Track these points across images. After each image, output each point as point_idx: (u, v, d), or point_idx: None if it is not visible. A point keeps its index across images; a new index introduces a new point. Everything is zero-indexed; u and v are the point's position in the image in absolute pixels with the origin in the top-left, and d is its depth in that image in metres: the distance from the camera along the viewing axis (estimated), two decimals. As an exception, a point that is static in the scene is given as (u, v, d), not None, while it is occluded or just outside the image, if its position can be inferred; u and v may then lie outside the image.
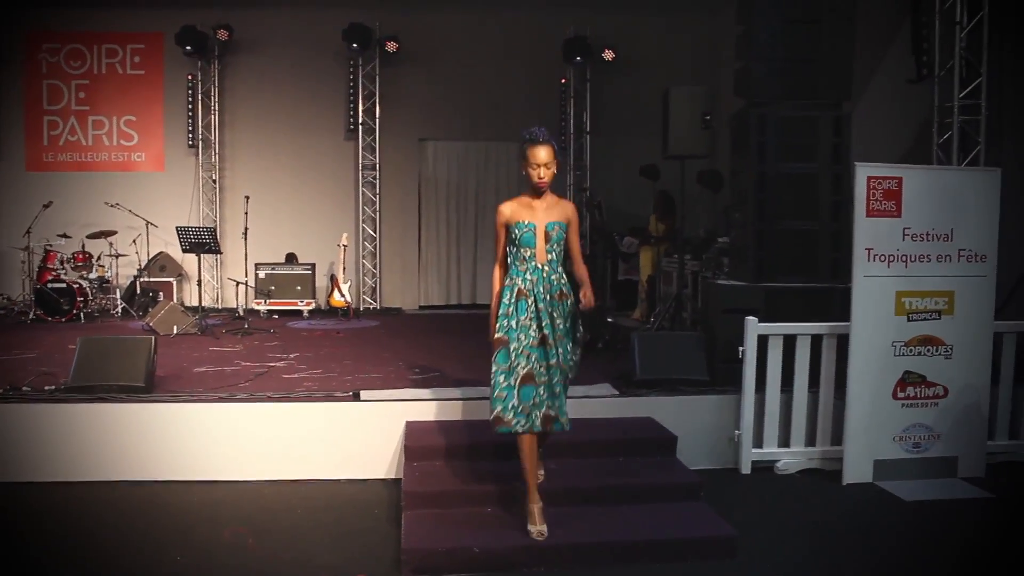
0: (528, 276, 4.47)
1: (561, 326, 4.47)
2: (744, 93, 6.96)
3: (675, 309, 8.44)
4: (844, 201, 6.49)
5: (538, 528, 4.40)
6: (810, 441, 6.03)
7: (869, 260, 5.68)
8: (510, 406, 4.35)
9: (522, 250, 4.49)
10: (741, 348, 5.91)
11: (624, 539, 4.49)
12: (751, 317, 5.94)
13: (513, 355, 4.38)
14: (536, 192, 4.50)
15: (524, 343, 4.39)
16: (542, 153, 4.42)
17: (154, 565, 4.38)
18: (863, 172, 5.66)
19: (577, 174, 12.90)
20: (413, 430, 5.60)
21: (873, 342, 5.73)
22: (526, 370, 4.36)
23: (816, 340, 5.93)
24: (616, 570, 3.90)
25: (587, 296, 4.34)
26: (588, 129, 12.77)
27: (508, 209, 4.55)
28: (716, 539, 4.55)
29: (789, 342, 5.91)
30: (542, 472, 4.90)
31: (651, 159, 9.84)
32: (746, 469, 5.95)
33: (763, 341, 5.90)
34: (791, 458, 5.99)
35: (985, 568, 4.45)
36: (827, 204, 6.65)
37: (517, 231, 4.48)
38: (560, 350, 4.45)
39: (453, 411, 5.83)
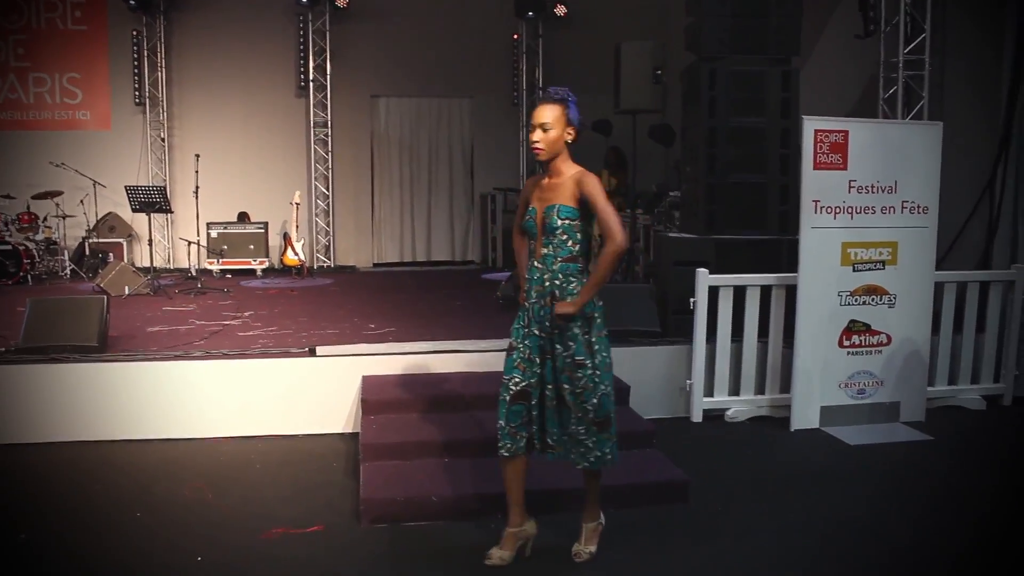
0: (528, 275, 3.81)
1: (560, 344, 3.67)
2: (694, 48, 7.02)
3: (627, 262, 8.54)
4: (792, 155, 6.61)
5: (499, 553, 3.84)
6: (759, 390, 6.19)
7: (816, 212, 5.81)
8: (499, 424, 3.78)
9: (530, 242, 3.87)
10: (692, 300, 6.02)
11: (579, 485, 4.58)
12: (702, 269, 6.05)
13: (511, 365, 3.77)
14: (544, 165, 3.74)
15: (522, 354, 3.74)
16: (537, 111, 3.68)
17: (113, 523, 4.38)
18: (810, 125, 5.76)
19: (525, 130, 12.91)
20: (370, 384, 5.65)
21: (820, 292, 5.87)
22: (520, 386, 3.72)
23: (765, 291, 6.07)
24: (572, 515, 4.00)
25: (564, 305, 3.59)
26: (540, 85, 12.75)
27: (528, 186, 3.90)
28: (669, 484, 4.68)
29: (739, 293, 6.04)
30: (600, 520, 4.02)
31: (603, 114, 9.87)
32: (697, 417, 6.10)
33: (714, 292, 6.02)
34: (741, 406, 6.14)
35: (926, 506, 4.64)
36: (776, 158, 6.77)
37: (526, 218, 3.82)
38: (562, 374, 3.69)
39: (409, 365, 5.88)
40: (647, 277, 8.26)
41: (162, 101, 12.15)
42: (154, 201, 9.92)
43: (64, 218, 10.85)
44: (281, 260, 11.51)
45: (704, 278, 6.01)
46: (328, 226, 12.52)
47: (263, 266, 11.34)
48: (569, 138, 3.68)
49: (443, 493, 4.42)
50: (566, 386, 3.68)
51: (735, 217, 6.76)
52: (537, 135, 3.64)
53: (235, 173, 12.00)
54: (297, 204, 11.38)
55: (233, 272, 11.17)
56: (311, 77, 12.20)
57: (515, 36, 12.72)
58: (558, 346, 3.66)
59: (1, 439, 5.54)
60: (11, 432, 5.57)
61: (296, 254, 11.20)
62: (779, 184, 6.78)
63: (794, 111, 6.72)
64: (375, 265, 12.63)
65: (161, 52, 12.10)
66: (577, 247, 3.64)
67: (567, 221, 3.61)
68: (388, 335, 6.71)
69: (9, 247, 9.95)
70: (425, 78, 12.43)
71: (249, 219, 11.71)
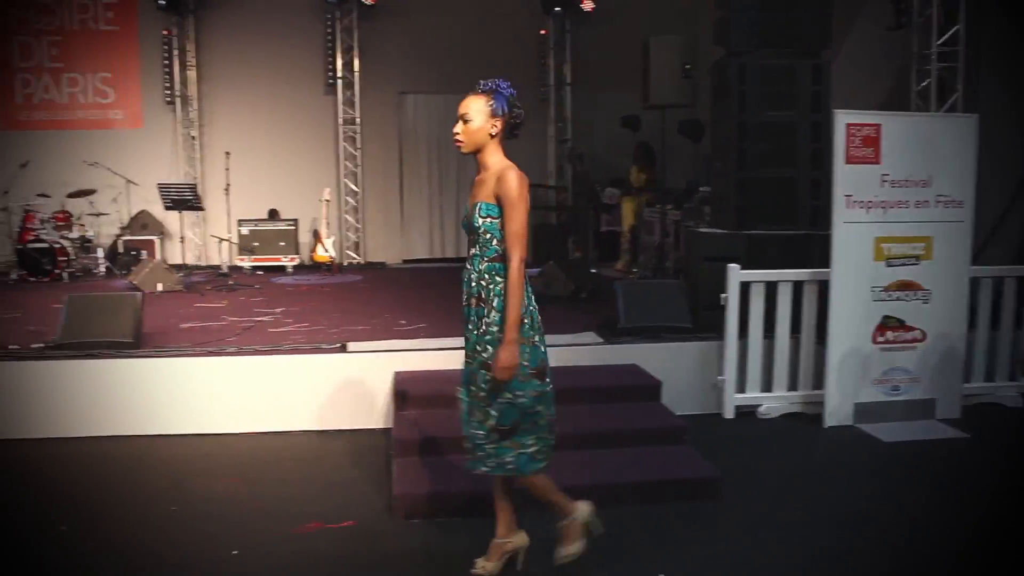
0: (462, 275, 3.63)
1: (479, 345, 3.47)
2: (724, 42, 6.97)
3: (658, 258, 8.51)
4: (823, 149, 6.55)
5: (480, 563, 3.74)
6: (792, 386, 6.14)
7: (848, 207, 5.75)
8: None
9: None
10: (723, 295, 5.99)
11: (611, 481, 4.60)
12: (733, 264, 6.01)
13: None
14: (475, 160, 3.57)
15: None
16: (462, 102, 3.52)
17: (149, 516, 4.43)
18: (842, 119, 5.71)
19: (559, 126, 12.90)
20: (402, 379, 5.66)
21: (853, 288, 5.82)
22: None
23: (797, 287, 6.02)
24: (604, 511, 3.98)
25: (499, 357, 3.31)
26: (568, 81, 12.73)
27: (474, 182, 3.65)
28: (700, 480, 4.67)
29: (770, 289, 6.00)
30: (574, 516, 3.74)
31: (632, 110, 9.83)
32: (729, 414, 6.07)
33: (744, 288, 5.99)
34: (773, 402, 6.11)
35: (961, 505, 4.58)
36: (806, 152, 6.71)
37: (463, 217, 3.65)
38: (475, 376, 3.50)
39: (440, 361, 5.87)
40: (677, 273, 8.23)
41: (192, 99, 12.26)
42: (186, 198, 10.02)
43: (98, 216, 11.00)
44: (311, 257, 11.58)
45: (735, 274, 5.98)
46: (357, 223, 12.58)
47: (294, 263, 11.42)
48: (494, 130, 3.47)
49: (475, 489, 4.41)
50: (471, 388, 3.51)
51: (765, 212, 6.71)
52: (458, 127, 3.49)
53: (265, 170, 12.07)
54: (327, 201, 11.45)
55: (264, 269, 11.26)
56: (339, 75, 12.26)
57: (543, 31, 12.71)
58: (477, 346, 3.47)
59: (39, 434, 5.62)
60: (49, 427, 5.66)
61: (326, 250, 11.27)
62: (810, 179, 6.72)
63: (825, 105, 6.66)
64: (404, 261, 12.67)
65: (191, 51, 12.22)
66: (503, 246, 3.43)
67: (488, 219, 3.44)
68: (419, 331, 6.73)
69: (45, 245, 10.09)
70: (452, 74, 12.40)
71: (279, 216, 11.79)
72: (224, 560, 3.90)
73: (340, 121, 12.37)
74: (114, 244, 11.37)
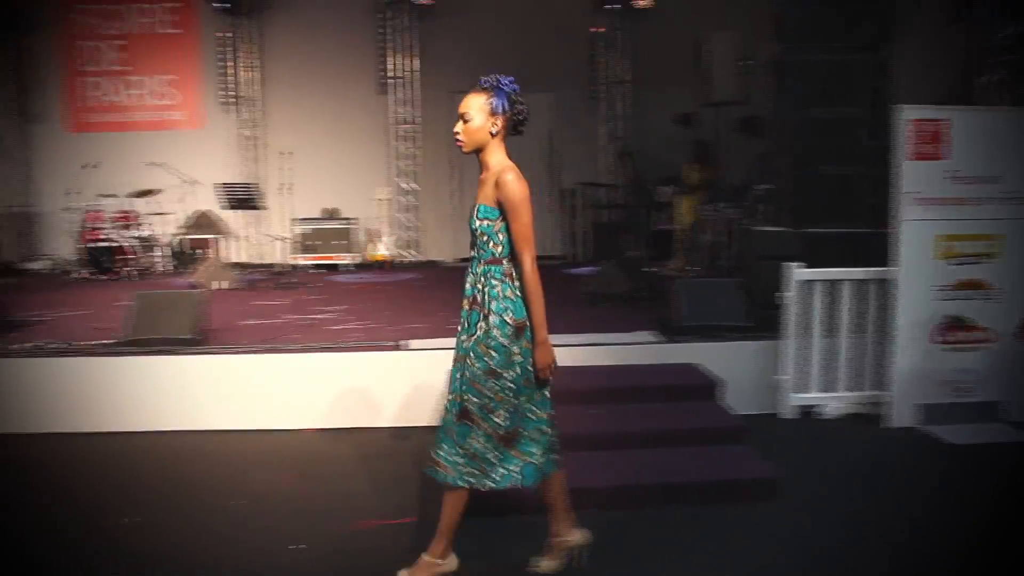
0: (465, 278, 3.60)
1: (474, 351, 3.40)
2: (782, 37, 6.89)
3: (713, 257, 8.44)
4: (883, 145, 6.43)
5: (538, 560, 3.76)
6: (852, 386, 6.05)
7: (912, 204, 5.65)
8: None
9: None
10: (779, 294, 5.92)
11: (669, 481, 4.58)
12: (792, 262, 5.94)
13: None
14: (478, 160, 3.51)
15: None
16: (462, 101, 3.48)
17: (212, 509, 4.54)
18: (906, 114, 5.61)
19: (611, 124, 12.84)
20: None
21: (917, 287, 5.72)
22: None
23: (856, 285, 5.93)
24: (662, 510, 3.98)
25: (536, 359, 3.37)
26: (622, 78, 12.67)
27: None
28: (759, 481, 4.63)
29: (829, 287, 5.92)
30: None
31: (687, 107, 9.76)
32: (788, 414, 6.00)
33: (803, 287, 5.91)
34: (833, 403, 6.02)
35: (1028, 508, 4.49)
36: (866, 148, 6.60)
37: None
38: (475, 384, 3.42)
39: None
40: (733, 272, 8.15)
41: (251, 100, 12.45)
42: (246, 198, 10.17)
43: (160, 215, 11.23)
44: (367, 255, 11.70)
45: (794, 272, 5.91)
46: (412, 221, 12.67)
47: (350, 261, 11.54)
48: (494, 129, 3.43)
49: (531, 488, 4.43)
50: (474, 398, 3.40)
51: (824, 210, 6.63)
52: (458, 126, 3.44)
53: (321, 169, 12.20)
54: (382, 200, 11.55)
55: (320, 267, 11.39)
56: (393, 74, 12.36)
57: (596, 29, 12.66)
58: (471, 353, 3.39)
59: (105, 427, 5.77)
60: (115, 421, 5.81)
61: (382, 249, 11.38)
62: (870, 176, 6.61)
63: (885, 100, 6.55)
64: (458, 260, 12.71)
65: (250, 53, 12.41)
66: (499, 248, 3.41)
67: (485, 222, 3.41)
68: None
69: (109, 244, 10.35)
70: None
71: (335, 215, 11.93)
72: (286, 553, 3.96)
73: (394, 120, 12.46)
74: (175, 242, 11.60)
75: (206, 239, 11.79)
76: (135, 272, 10.53)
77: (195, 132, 12.53)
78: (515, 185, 3.35)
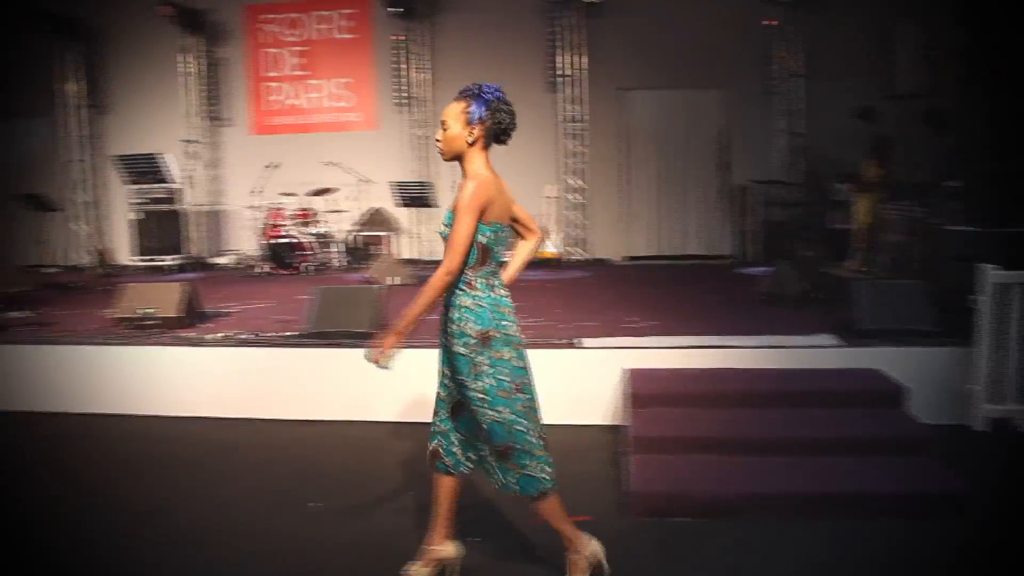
0: None
1: (446, 363, 3.52)
2: (970, 25, 6.49)
3: (896, 258, 8.06)
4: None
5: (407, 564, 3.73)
6: (1053, 398, 5.66)
7: None
8: None
9: None
10: (972, 297, 5.60)
11: (846, 491, 4.40)
12: (987, 264, 5.60)
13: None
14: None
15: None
16: (445, 109, 3.47)
17: (392, 498, 4.71)
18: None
19: (786, 120, 12.45)
20: (638, 377, 5.63)
21: None
22: (437, 392, 3.68)
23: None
24: (836, 522, 3.84)
25: (384, 341, 3.41)
26: (799, 71, 12.26)
27: None
28: (945, 495, 4.38)
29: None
30: (579, 551, 3.65)
31: (866, 100, 9.34)
32: (979, 426, 5.66)
33: (999, 290, 5.56)
34: (1031, 415, 5.65)
35: None
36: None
37: None
38: (445, 381, 3.56)
39: (675, 360, 5.85)
40: (920, 273, 7.76)
41: (422, 101, 12.82)
42: (420, 195, 10.48)
43: (336, 212, 11.74)
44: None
45: (989, 274, 5.57)
46: (581, 219, 12.71)
47: (518, 259, 11.66)
48: (471, 138, 3.38)
49: (709, 490, 4.39)
50: (444, 381, 3.54)
51: (1020, 208, 6.21)
52: (439, 133, 3.45)
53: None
54: (552, 197, 11.65)
55: (488, 264, 11.57)
56: (561, 72, 12.43)
57: (770, 22, 12.29)
58: (446, 365, 3.48)
59: (289, 416, 6.13)
60: (298, 409, 6.16)
61: (551, 246, 11.48)
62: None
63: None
64: (626, 258, 12.67)
65: (422, 55, 12.78)
66: (471, 255, 3.37)
67: (448, 228, 3.35)
68: (649, 328, 6.69)
69: (289, 240, 10.90)
70: (675, 69, 12.30)
71: (502, 212, 12.09)
72: (466, 545, 4.06)
73: (562, 118, 12.54)
74: (350, 239, 12.09)
75: (379, 236, 12.24)
76: (312, 267, 11.03)
77: (369, 133, 13.04)
78: (470, 192, 3.29)
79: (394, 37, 12.74)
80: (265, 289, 9.63)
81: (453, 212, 3.33)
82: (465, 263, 3.33)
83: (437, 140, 3.48)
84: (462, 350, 3.37)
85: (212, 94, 13.50)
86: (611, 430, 5.70)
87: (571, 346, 6.09)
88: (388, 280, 9.59)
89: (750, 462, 4.67)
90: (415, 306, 3.34)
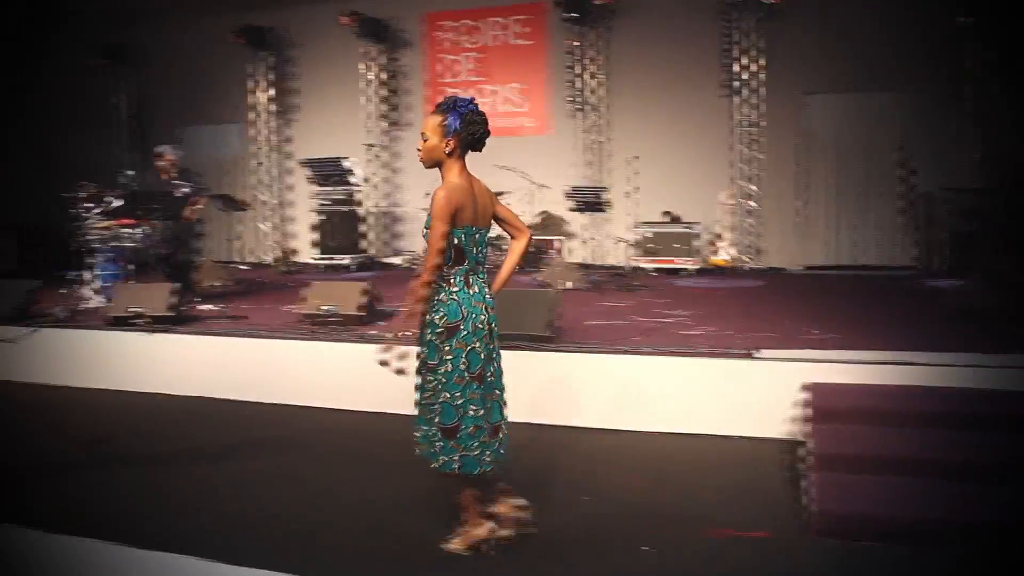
0: None
1: (421, 344, 3.85)
2: None
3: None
4: None
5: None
6: None
7: None
8: None
9: None
10: None
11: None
12: None
13: None
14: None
15: None
16: (423, 122, 3.84)
17: (566, 504, 4.73)
18: None
19: (978, 124, 11.66)
20: (820, 391, 5.42)
21: None
22: None
23: None
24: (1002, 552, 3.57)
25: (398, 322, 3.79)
26: (992, 72, 11.46)
27: None
28: None
29: None
30: (459, 546, 4.09)
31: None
32: None
33: None
34: None
35: None
36: None
37: None
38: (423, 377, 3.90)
39: (857, 374, 5.60)
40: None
41: (596, 106, 12.85)
42: (594, 200, 10.51)
43: (510, 216, 11.91)
44: (708, 259, 11.63)
45: None
46: (755, 227, 12.38)
47: (691, 265, 11.52)
48: (448, 148, 3.75)
49: (897, 514, 4.18)
50: (423, 390, 3.84)
51: None
52: (419, 144, 3.81)
53: (661, 173, 12.26)
54: (727, 204, 11.42)
55: (660, 270, 11.49)
56: (738, 76, 12.16)
57: (962, 20, 11.56)
58: (421, 350, 3.82)
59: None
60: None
61: (724, 254, 11.26)
62: None
63: None
64: (801, 267, 12.23)
65: (596, 60, 12.80)
66: (449, 256, 3.76)
67: (426, 231, 3.72)
68: (830, 341, 6.41)
69: (464, 243, 11.14)
70: (858, 72, 11.75)
71: (676, 218, 11.97)
72: (637, 553, 4.04)
73: (737, 123, 12.26)
74: (523, 243, 12.23)
75: (551, 240, 12.35)
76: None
77: (543, 137, 13.17)
78: (438, 200, 3.67)
79: (568, 42, 12.80)
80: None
81: (429, 218, 3.70)
82: (442, 263, 3.74)
83: (418, 150, 3.86)
84: (431, 337, 3.77)
85: (391, 100, 14.01)
86: (788, 444, 5.53)
87: (749, 356, 5.94)
88: (560, 284, 9.67)
89: (940, 486, 4.42)
90: (407, 307, 3.77)
